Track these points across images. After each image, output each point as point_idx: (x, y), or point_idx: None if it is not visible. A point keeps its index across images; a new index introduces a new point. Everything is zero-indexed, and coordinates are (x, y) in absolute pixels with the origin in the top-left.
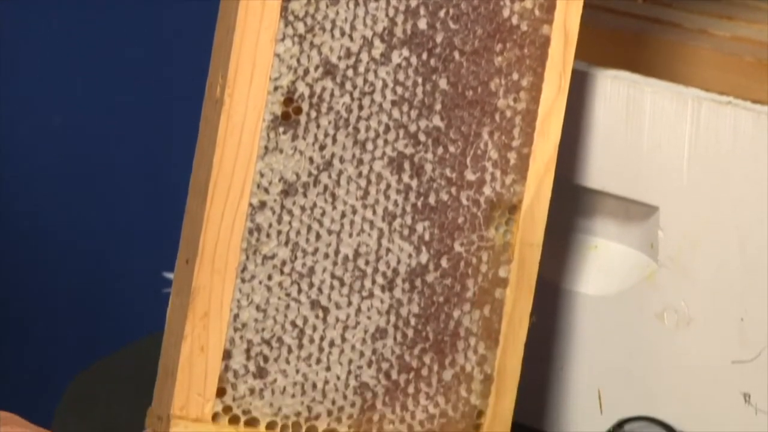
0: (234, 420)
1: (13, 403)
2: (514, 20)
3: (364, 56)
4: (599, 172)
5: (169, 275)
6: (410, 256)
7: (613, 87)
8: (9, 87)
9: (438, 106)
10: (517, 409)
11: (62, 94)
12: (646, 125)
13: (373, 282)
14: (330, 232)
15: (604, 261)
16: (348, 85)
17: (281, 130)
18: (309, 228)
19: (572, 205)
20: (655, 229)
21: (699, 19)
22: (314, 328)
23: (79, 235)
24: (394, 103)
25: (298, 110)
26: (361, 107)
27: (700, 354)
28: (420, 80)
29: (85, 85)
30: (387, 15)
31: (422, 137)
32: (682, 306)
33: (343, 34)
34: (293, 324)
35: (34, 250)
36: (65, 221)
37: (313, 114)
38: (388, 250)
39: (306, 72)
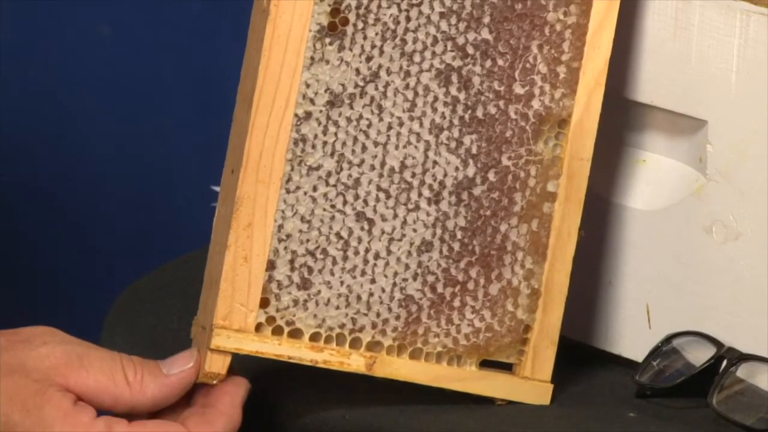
0: (277, 331)
1: (65, 313)
2: None
3: None
4: (648, 85)
5: (217, 189)
6: (457, 169)
7: (661, 0)
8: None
9: (486, 19)
10: (565, 323)
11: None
12: (694, 39)
13: (420, 195)
14: (376, 144)
15: (653, 175)
16: None
17: (327, 40)
18: (355, 139)
19: (621, 118)
20: (703, 143)
21: None
22: (359, 240)
23: (131, 148)
24: (442, 15)
25: (345, 21)
26: (408, 19)
27: (748, 268)
28: None
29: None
30: None
31: (470, 50)
32: (731, 220)
33: None
34: (338, 235)
35: (87, 163)
36: (118, 134)
37: (360, 25)
38: (435, 162)
39: None
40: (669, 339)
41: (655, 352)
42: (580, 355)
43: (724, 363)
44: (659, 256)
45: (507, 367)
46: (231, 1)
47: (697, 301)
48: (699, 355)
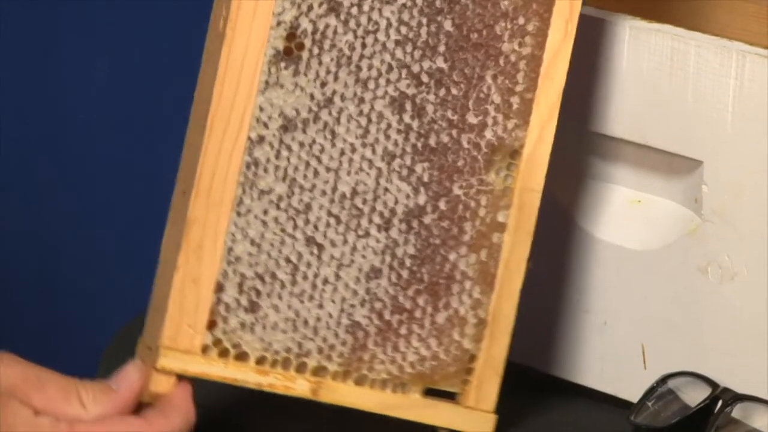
0: (224, 353)
1: (58, 355)
2: None
3: None
4: (643, 125)
5: None
6: (408, 196)
7: (657, 40)
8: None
9: (442, 48)
10: (560, 363)
11: (106, 42)
12: (690, 79)
13: (370, 221)
14: (328, 170)
15: (648, 215)
16: (352, 23)
17: (283, 65)
18: (307, 164)
19: (616, 158)
20: (699, 183)
21: None
22: (308, 265)
23: (127, 186)
24: (397, 42)
25: (301, 46)
26: (364, 45)
27: (744, 308)
28: (425, 21)
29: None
30: None
31: (425, 78)
32: (726, 260)
33: None
34: (287, 260)
35: (83, 201)
36: (113, 171)
37: (316, 50)
38: (386, 189)
39: (310, 8)
40: (664, 379)
41: (651, 393)
42: (575, 395)
43: (720, 403)
44: (654, 296)
45: (451, 396)
46: None
47: (692, 341)
48: (694, 396)
